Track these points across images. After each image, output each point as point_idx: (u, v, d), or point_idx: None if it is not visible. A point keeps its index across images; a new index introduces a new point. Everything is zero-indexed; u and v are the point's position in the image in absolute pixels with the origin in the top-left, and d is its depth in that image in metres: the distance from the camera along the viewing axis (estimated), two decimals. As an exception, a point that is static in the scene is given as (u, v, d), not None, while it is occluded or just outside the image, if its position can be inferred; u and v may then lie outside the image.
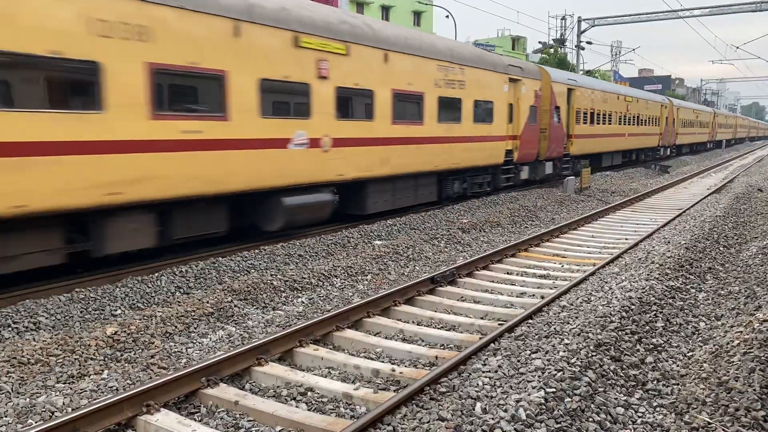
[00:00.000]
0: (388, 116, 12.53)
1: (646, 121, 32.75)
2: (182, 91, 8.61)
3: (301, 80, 10.33)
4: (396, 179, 13.16)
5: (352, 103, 11.61)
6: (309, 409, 4.88)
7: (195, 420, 4.70)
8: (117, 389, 5.17)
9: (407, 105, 13.12)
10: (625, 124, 29.18)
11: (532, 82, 18.80)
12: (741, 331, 5.57)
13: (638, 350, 5.66)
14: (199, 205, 9.14)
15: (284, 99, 10.16)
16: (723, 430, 4.01)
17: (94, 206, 7.64)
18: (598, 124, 25.44)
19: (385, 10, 52.36)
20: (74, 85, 7.42)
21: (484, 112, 16.05)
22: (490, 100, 16.31)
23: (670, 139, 38.36)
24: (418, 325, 6.98)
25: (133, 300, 7.57)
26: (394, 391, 5.12)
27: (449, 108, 14.53)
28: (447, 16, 56.07)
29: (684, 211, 14.75)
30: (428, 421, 4.36)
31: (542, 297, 7.87)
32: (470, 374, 5.13)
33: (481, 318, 7.24)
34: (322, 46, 10.71)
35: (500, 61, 17.23)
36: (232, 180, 9.27)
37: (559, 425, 4.12)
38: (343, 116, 11.36)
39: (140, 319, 6.69)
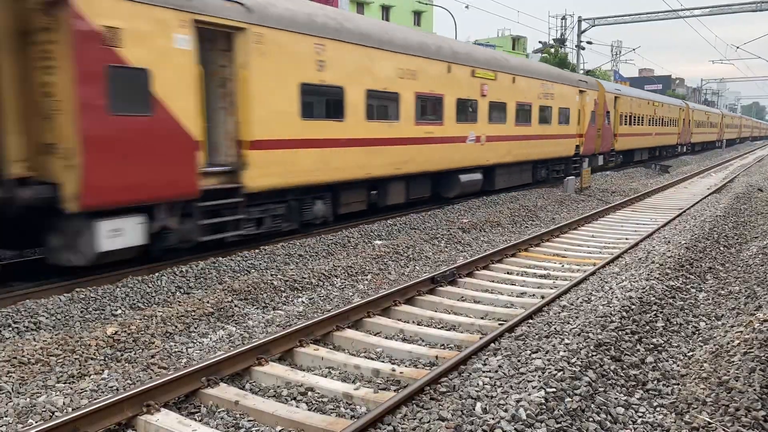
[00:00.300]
0: (513, 120, 18.01)
1: (667, 122, 38.31)
2: (426, 107, 14.13)
3: (474, 98, 15.92)
4: (511, 165, 18.53)
5: (496, 112, 17.10)
6: (309, 409, 4.88)
7: (195, 420, 4.70)
8: (117, 389, 5.17)
9: (523, 112, 18.61)
10: (653, 125, 34.73)
11: (592, 93, 24.37)
12: (741, 331, 5.57)
13: (638, 350, 5.66)
14: (421, 178, 14.57)
15: (466, 110, 15.71)
16: (723, 430, 4.01)
17: (389, 175, 13.18)
18: (635, 125, 31.00)
19: (386, 10, 52.32)
20: (389, 106, 13.00)
21: (563, 116, 21.52)
22: (568, 107, 21.85)
23: (686, 137, 43.64)
24: (418, 324, 6.98)
25: (133, 300, 7.57)
26: (395, 390, 5.12)
27: (545, 113, 20.06)
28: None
29: (684, 211, 14.75)
30: (428, 421, 4.36)
31: (542, 297, 7.86)
32: (470, 374, 5.13)
33: (482, 318, 7.24)
34: (485, 75, 16.30)
35: (574, 78, 23.44)
36: (441, 163, 14.82)
37: (559, 425, 4.12)
38: (491, 121, 16.80)
39: (140, 319, 6.69)
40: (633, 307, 6.53)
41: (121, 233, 7.96)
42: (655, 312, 6.61)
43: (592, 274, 8.58)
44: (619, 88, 29.69)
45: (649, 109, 33.49)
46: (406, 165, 13.52)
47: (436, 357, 5.84)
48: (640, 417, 4.57)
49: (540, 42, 56.77)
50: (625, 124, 29.24)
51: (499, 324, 6.75)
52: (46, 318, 6.77)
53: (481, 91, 16.11)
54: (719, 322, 6.65)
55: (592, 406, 4.50)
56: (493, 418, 4.19)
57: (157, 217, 8.47)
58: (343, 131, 11.66)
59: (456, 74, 14.98)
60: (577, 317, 6.33)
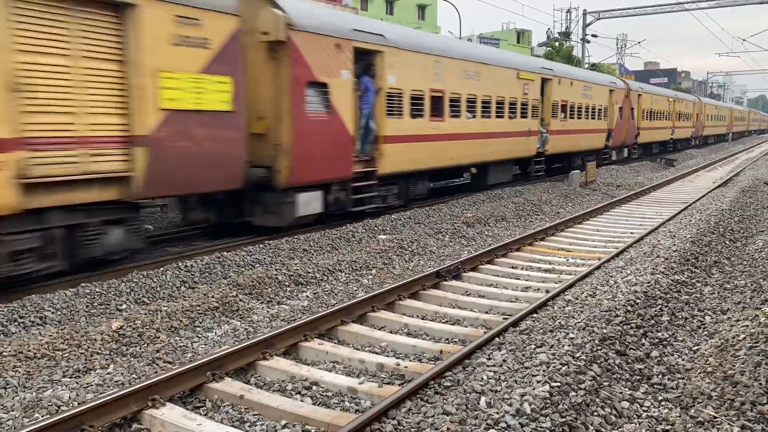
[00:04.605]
0: (677, 120, 38.44)
1: (723, 118, 58.93)
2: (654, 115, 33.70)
3: (665, 110, 36.21)
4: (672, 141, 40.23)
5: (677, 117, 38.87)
6: (314, 403, 4.89)
7: (200, 414, 4.72)
8: (123, 383, 5.19)
9: (680, 116, 38.57)
10: (719, 121, 53.84)
11: (700, 103, 44.05)
12: (747, 325, 5.55)
13: (643, 344, 5.65)
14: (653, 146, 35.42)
15: (662, 117, 36.16)
16: (729, 424, 4.00)
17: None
18: (710, 120, 49.16)
19: (389, 4, 52.12)
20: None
21: (685, 116, 39.91)
22: (689, 113, 41.07)
23: (730, 129, 63.50)
24: (422, 319, 6.98)
25: (138, 294, 7.60)
26: (399, 385, 5.12)
27: (684, 115, 39.65)
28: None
29: (690, 205, 14.69)
30: (433, 415, 4.36)
31: (547, 291, 7.84)
32: (475, 368, 5.13)
33: (486, 312, 7.23)
34: (670, 101, 36.72)
35: (692, 98, 42.89)
36: (662, 138, 36.89)
37: (564, 419, 4.12)
38: (679, 120, 39.21)
39: (146, 314, 6.71)
40: (638, 301, 6.51)
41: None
42: (660, 306, 6.59)
43: (597, 268, 8.56)
44: (707, 100, 43.96)
45: (716, 110, 49.74)
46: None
47: (441, 351, 5.85)
48: (645, 411, 4.56)
49: (547, 30, 56.59)
50: (709, 120, 45.53)
51: (504, 318, 6.74)
52: (52, 313, 6.79)
53: (672, 109, 35.16)
54: (725, 317, 6.62)
55: (597, 400, 4.49)
56: (497, 413, 4.18)
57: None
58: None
59: (656, 102, 32.26)
60: (581, 312, 6.32)
